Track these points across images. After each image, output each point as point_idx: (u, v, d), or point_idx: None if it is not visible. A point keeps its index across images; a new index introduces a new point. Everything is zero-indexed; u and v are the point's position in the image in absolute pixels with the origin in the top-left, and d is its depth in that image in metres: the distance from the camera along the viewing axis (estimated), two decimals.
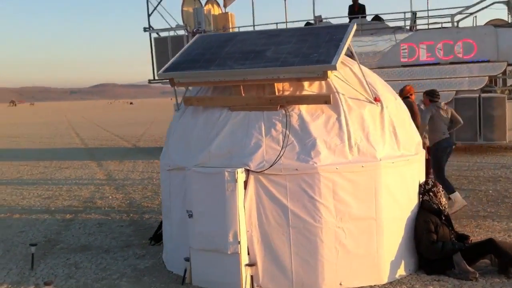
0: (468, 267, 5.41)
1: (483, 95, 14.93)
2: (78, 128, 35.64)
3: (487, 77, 15.38)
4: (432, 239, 5.56)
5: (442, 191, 5.86)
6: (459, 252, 5.52)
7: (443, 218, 5.81)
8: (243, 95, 5.49)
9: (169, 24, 19.03)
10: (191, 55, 5.83)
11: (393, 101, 5.98)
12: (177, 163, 5.70)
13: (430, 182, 5.84)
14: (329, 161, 5.19)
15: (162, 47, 18.30)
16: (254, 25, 18.64)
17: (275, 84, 5.31)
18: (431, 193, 5.77)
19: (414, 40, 15.85)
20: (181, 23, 18.82)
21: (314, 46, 5.45)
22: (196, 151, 5.53)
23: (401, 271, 5.59)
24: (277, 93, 5.35)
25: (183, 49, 6.03)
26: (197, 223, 5.36)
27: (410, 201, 5.70)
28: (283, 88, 5.52)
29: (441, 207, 5.76)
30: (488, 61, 15.28)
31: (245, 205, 5.19)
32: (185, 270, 5.53)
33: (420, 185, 5.84)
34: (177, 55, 5.90)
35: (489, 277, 5.42)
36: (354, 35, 16.51)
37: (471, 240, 5.85)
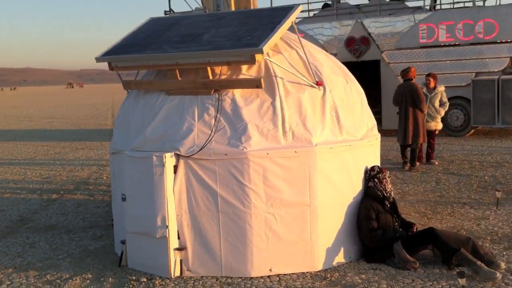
0: (407, 256, 5.24)
1: (502, 77, 14.30)
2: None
3: (508, 59, 14.72)
4: (371, 226, 5.41)
5: (388, 177, 5.67)
6: (400, 240, 5.33)
7: (388, 205, 5.62)
8: (179, 79, 5.43)
9: (190, 7, 19.04)
10: (135, 39, 5.81)
11: (342, 85, 5.80)
12: (117, 147, 5.72)
13: (376, 168, 5.65)
14: (260, 146, 5.09)
15: None
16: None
17: (208, 68, 5.22)
18: (375, 180, 5.59)
19: (433, 21, 15.31)
20: (201, 6, 18.76)
21: (251, 29, 5.33)
22: (133, 135, 5.53)
23: (340, 259, 5.47)
24: (211, 77, 5.26)
25: (129, 32, 6.01)
26: (130, 207, 5.38)
27: (352, 188, 5.55)
28: (220, 72, 5.44)
29: (385, 194, 5.58)
30: (510, 42, 14.60)
31: (174, 189, 5.16)
32: (122, 253, 5.57)
33: (365, 171, 5.67)
34: (121, 38, 5.88)
35: (430, 267, 5.24)
36: (372, 16, 16.35)
37: (416, 229, 5.65)
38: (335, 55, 16.09)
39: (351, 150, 5.49)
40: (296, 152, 5.15)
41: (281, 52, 5.67)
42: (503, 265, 5.15)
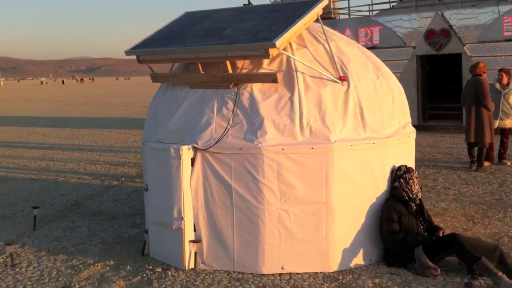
0: (428, 262, 4.97)
1: None
2: None
3: None
4: (392, 229, 5.18)
5: (416, 178, 5.39)
6: (422, 245, 5.07)
7: (413, 207, 5.35)
8: (202, 73, 5.46)
9: (269, 0, 19.07)
10: (165, 33, 5.91)
11: (372, 80, 5.57)
12: (145, 138, 5.85)
13: (403, 168, 5.38)
14: (276, 141, 5.02)
15: None
16: None
17: (227, 62, 5.20)
18: (401, 180, 5.34)
19: None
20: None
21: (271, 23, 5.25)
22: (159, 127, 5.64)
23: (359, 260, 5.29)
24: (230, 71, 5.25)
25: (163, 26, 6.12)
26: (151, 197, 5.51)
27: (375, 187, 5.34)
28: (242, 66, 5.40)
29: (411, 195, 5.31)
30: None
31: (191, 182, 5.21)
32: (144, 242, 5.72)
33: (392, 171, 5.43)
34: (153, 32, 6.01)
35: (452, 276, 4.95)
36: (454, 7, 15.57)
37: (442, 233, 5.33)
38: (413, 48, 15.53)
39: (375, 148, 5.27)
40: (312, 148, 5.02)
41: (307, 46, 5.54)
42: None
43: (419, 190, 5.40)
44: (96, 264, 5.49)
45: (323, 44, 5.60)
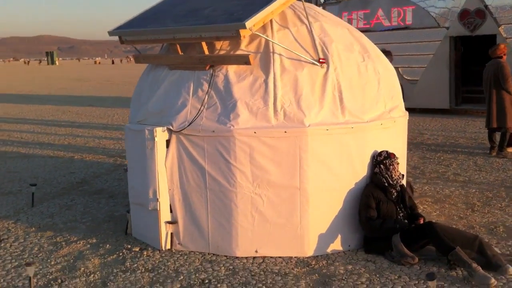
0: (405, 250, 4.84)
1: None
2: None
3: None
4: (369, 215, 5.06)
5: (397, 164, 5.22)
6: (400, 233, 4.94)
7: (394, 193, 5.20)
8: (181, 54, 5.43)
9: None
10: (151, 12, 5.88)
11: (356, 62, 5.42)
12: (130, 119, 5.89)
13: (384, 153, 5.23)
14: (248, 124, 4.95)
15: None
16: None
17: (203, 43, 5.14)
18: (381, 165, 5.19)
19: None
20: None
21: (249, 3, 5.14)
22: (140, 108, 5.66)
23: (336, 246, 5.20)
24: (206, 53, 5.19)
25: (150, 6, 6.10)
26: (130, 178, 5.56)
27: (354, 173, 5.21)
28: (220, 47, 5.34)
29: (391, 182, 5.17)
30: None
31: (166, 164, 5.21)
32: (127, 222, 5.78)
33: (372, 156, 5.28)
34: (141, 11, 6.00)
35: (430, 265, 4.81)
36: None
37: (423, 221, 5.15)
38: (447, 28, 15.02)
39: (354, 133, 5.13)
40: (285, 132, 4.93)
41: (289, 27, 5.42)
42: (511, 270, 4.56)
43: (400, 176, 5.25)
44: (78, 242, 5.59)
45: (306, 25, 5.46)
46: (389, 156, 5.21)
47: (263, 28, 5.34)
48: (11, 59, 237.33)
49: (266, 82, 5.04)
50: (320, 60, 5.16)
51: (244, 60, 4.99)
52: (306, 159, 4.97)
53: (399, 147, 5.64)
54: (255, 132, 4.93)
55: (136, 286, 4.53)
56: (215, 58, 5.17)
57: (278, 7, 5.07)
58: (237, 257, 5.09)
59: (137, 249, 5.33)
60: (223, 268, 4.87)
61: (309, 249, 5.11)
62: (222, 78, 5.14)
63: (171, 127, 5.15)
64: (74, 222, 6.28)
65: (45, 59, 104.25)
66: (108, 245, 5.47)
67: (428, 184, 7.63)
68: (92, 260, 5.11)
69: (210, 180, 5.09)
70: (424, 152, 9.97)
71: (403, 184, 5.33)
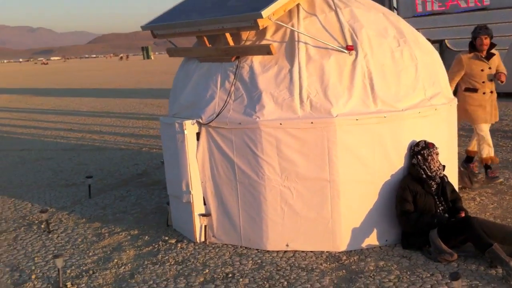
0: (443, 246, 4.57)
1: None
2: None
3: None
4: (404, 209, 4.81)
5: (436, 154, 4.91)
6: (438, 228, 4.66)
7: (433, 186, 4.91)
8: (209, 46, 5.41)
9: None
10: (181, 7, 5.90)
11: (389, 48, 5.14)
12: (168, 112, 5.96)
13: (422, 143, 4.93)
14: (274, 116, 4.85)
15: None
16: None
17: (228, 34, 5.08)
18: (419, 156, 4.91)
19: None
20: None
21: None
22: (175, 102, 5.72)
23: (372, 241, 5.01)
24: (231, 44, 5.13)
25: (182, 0, 6.12)
26: (167, 171, 5.63)
27: (389, 164, 4.96)
28: (247, 38, 5.26)
29: (429, 173, 4.88)
30: None
31: (197, 156, 5.23)
32: (168, 214, 5.88)
33: (409, 147, 5.01)
34: (172, 7, 6.03)
35: (470, 263, 4.52)
36: None
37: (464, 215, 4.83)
38: None
39: (387, 122, 4.88)
40: (312, 123, 4.78)
41: (316, 14, 5.23)
42: None
43: (441, 167, 4.93)
44: (120, 233, 5.76)
45: (335, 11, 5.25)
46: (428, 146, 4.91)
47: (289, 16, 5.21)
48: (112, 55, 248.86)
49: (291, 72, 4.90)
50: (348, 47, 4.94)
51: (266, 50, 4.88)
52: (335, 150, 4.79)
53: (442, 136, 5.30)
54: (281, 124, 4.82)
55: (161, 279, 4.59)
56: (240, 49, 5.10)
57: None
58: (268, 251, 5.02)
59: (173, 241, 5.40)
60: (250, 262, 4.83)
61: (341, 244, 4.94)
62: (247, 69, 5.06)
63: (200, 120, 5.15)
64: (123, 213, 6.47)
65: (141, 53, 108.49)
66: (147, 237, 5.58)
67: (500, 174, 7.14)
68: (128, 251, 5.24)
69: (240, 172, 5.04)
70: (498, 140, 9.33)
71: (444, 176, 5.01)
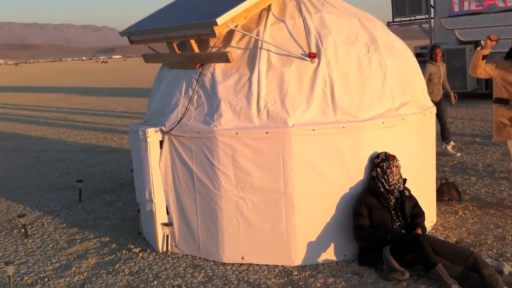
0: (395, 264, 4.36)
1: None
2: None
3: None
4: (358, 223, 4.62)
5: (396, 167, 4.67)
6: (391, 244, 4.45)
7: (392, 200, 4.68)
8: (178, 52, 5.36)
9: None
10: (160, 13, 5.88)
11: (357, 56, 4.95)
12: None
13: (382, 155, 4.72)
14: (231, 125, 4.75)
15: None
16: None
17: (192, 41, 5.02)
18: (378, 169, 4.69)
19: None
20: None
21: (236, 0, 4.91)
22: (147, 108, 5.70)
23: (329, 256, 4.83)
24: (196, 51, 5.06)
25: (164, 6, 6.09)
26: (135, 178, 5.61)
27: (348, 177, 4.77)
28: (214, 44, 5.18)
29: (387, 187, 4.66)
30: None
31: (160, 165, 5.18)
32: (140, 221, 5.86)
33: (370, 158, 4.80)
34: (153, 12, 6.01)
35: (420, 283, 4.29)
36: None
37: (422, 232, 4.58)
38: None
39: (346, 133, 4.69)
40: (267, 133, 4.65)
41: (285, 20, 5.09)
42: None
43: (400, 181, 4.70)
44: (92, 240, 5.77)
45: (304, 17, 5.09)
46: (388, 158, 4.69)
47: (257, 22, 5.10)
48: None
49: (250, 80, 4.79)
50: (310, 55, 4.78)
51: (224, 57, 4.78)
52: (290, 161, 4.64)
53: (410, 148, 5.05)
54: (236, 133, 4.71)
55: None
56: (202, 56, 5.02)
57: (257, 2, 4.78)
58: (223, 263, 4.92)
59: (137, 250, 5.37)
60: (202, 274, 4.74)
61: (296, 258, 4.78)
62: (209, 76, 4.98)
63: (163, 128, 5.09)
64: (104, 219, 6.50)
65: None
66: (114, 245, 5.58)
67: (489, 186, 6.78)
68: (90, 259, 5.24)
69: (198, 182, 4.96)
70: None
71: (405, 190, 4.77)
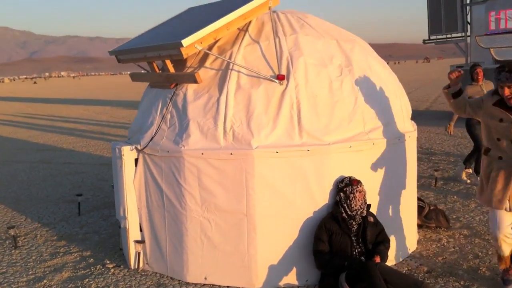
0: None
1: None
2: None
3: None
4: (317, 248, 4.54)
5: (360, 192, 4.57)
6: (347, 272, 4.35)
7: (353, 226, 4.58)
8: (158, 72, 5.44)
9: None
10: (149, 33, 5.98)
11: (327, 79, 4.90)
12: None
13: (346, 180, 4.63)
14: (198, 145, 4.78)
15: (436, 5, 16.97)
16: None
17: (168, 61, 5.08)
18: (341, 194, 4.61)
19: None
20: None
21: (203, 21, 4.96)
22: (130, 126, 5.80)
23: (291, 279, 4.78)
24: (171, 71, 5.13)
25: (161, 23, 6.20)
26: (115, 195, 5.70)
27: (312, 201, 4.71)
28: (190, 65, 5.25)
29: (349, 212, 4.56)
30: None
31: (135, 182, 5.26)
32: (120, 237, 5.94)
33: (335, 182, 4.71)
34: (143, 32, 6.12)
35: None
36: None
37: (378, 260, 4.44)
38: None
39: (311, 156, 4.63)
40: (231, 154, 4.65)
41: (259, 42, 5.11)
42: None
43: (363, 207, 4.59)
44: (73, 253, 5.89)
45: (279, 39, 5.09)
46: (351, 183, 4.59)
47: (232, 42, 5.14)
48: None
49: (218, 101, 4.81)
50: (279, 76, 4.76)
51: (193, 79, 4.83)
52: (252, 183, 4.63)
53: (380, 173, 4.93)
54: (202, 154, 4.73)
55: None
56: (175, 77, 5.08)
57: (226, 24, 4.79)
58: (187, 283, 4.92)
59: (111, 266, 5.44)
60: None
61: (257, 281, 4.74)
62: (182, 96, 5.03)
63: (138, 146, 5.17)
64: (93, 233, 6.61)
65: None
66: (92, 259, 5.67)
67: (485, 214, 6.52)
68: (63, 273, 5.34)
69: (167, 201, 5.00)
70: None
71: (368, 216, 4.65)
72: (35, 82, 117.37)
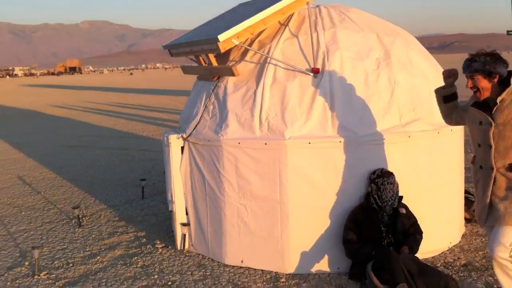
0: (375, 280, 4.36)
1: None
2: None
3: None
4: (346, 237, 4.67)
5: (391, 184, 4.63)
6: (374, 261, 4.46)
7: (384, 216, 4.65)
8: (204, 65, 5.73)
9: None
10: (199, 28, 6.28)
11: (363, 72, 4.99)
12: None
13: (378, 172, 4.70)
14: (236, 135, 5.04)
15: None
16: None
17: (211, 55, 5.36)
18: (373, 185, 4.69)
19: None
20: None
21: (243, 15, 5.19)
22: (180, 116, 6.15)
23: (323, 266, 4.93)
24: (214, 64, 5.40)
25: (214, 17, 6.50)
26: (166, 180, 6.07)
27: (344, 191, 4.82)
28: (233, 58, 5.50)
29: (380, 203, 4.64)
30: None
31: (181, 169, 5.59)
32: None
33: (369, 174, 4.80)
34: (196, 27, 6.43)
35: None
36: None
37: (407, 250, 4.49)
38: None
39: (343, 147, 4.75)
40: (266, 144, 4.86)
41: (298, 36, 5.27)
42: None
43: (393, 198, 4.65)
44: (129, 233, 6.34)
45: (318, 33, 5.22)
46: (383, 174, 4.67)
47: (272, 36, 5.33)
48: None
49: (255, 93, 5.03)
50: (314, 70, 4.91)
51: (230, 71, 5.07)
52: (285, 172, 4.81)
53: (417, 166, 4.95)
54: (239, 143, 4.98)
55: (115, 279, 5.04)
56: (216, 70, 5.35)
57: (263, 19, 4.99)
58: (225, 265, 5.19)
59: (160, 246, 5.81)
60: (200, 273, 5.06)
61: (289, 266, 4.93)
62: (223, 88, 5.30)
63: (184, 135, 5.50)
64: (152, 215, 7.05)
65: None
66: (144, 239, 6.08)
67: None
68: (116, 251, 5.78)
69: (208, 187, 5.30)
70: None
71: (399, 208, 4.70)
72: (131, 73, 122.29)
